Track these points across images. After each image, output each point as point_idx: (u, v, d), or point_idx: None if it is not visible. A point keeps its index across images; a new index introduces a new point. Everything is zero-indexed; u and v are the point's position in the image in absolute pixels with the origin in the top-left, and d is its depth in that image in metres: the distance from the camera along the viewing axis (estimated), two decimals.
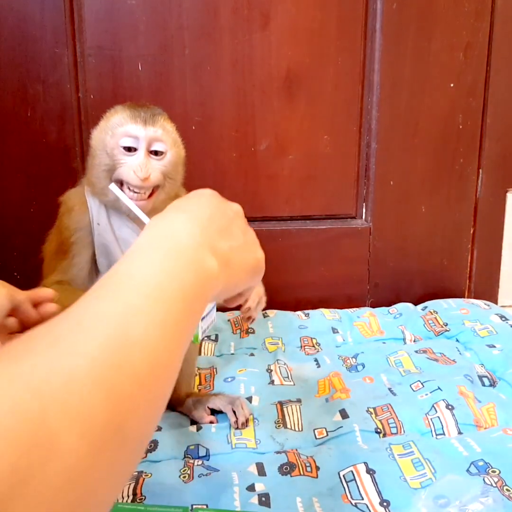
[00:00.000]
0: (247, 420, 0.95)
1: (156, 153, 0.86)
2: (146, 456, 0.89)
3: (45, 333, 0.33)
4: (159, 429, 0.96)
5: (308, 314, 1.39)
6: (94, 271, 0.93)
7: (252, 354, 1.22)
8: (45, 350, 0.31)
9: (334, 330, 1.32)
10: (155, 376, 0.36)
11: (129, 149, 0.85)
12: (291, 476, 0.81)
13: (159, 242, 0.44)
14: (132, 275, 0.39)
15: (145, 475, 0.83)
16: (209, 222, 0.49)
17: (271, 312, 1.39)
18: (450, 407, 0.97)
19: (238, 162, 1.38)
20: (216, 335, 1.30)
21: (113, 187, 0.81)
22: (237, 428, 0.94)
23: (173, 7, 1.28)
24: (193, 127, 1.33)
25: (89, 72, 1.29)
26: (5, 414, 0.26)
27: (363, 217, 1.47)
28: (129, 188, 0.85)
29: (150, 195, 0.87)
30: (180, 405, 1.02)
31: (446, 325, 1.31)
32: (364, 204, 1.46)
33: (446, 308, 1.37)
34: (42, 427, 0.27)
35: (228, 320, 1.36)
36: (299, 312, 1.40)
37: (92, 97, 1.30)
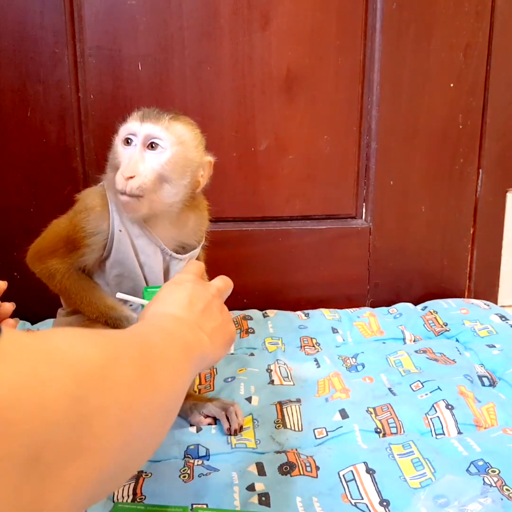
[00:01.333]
0: (240, 427, 0.94)
1: (152, 146, 0.84)
2: None
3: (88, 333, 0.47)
4: None
5: (308, 314, 1.39)
6: (98, 268, 0.91)
7: (252, 354, 1.22)
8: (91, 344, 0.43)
9: (334, 330, 1.32)
10: (168, 367, 0.52)
11: (127, 142, 0.84)
12: (291, 476, 0.81)
13: (162, 314, 0.62)
14: (151, 323, 0.59)
15: (145, 475, 0.83)
16: (191, 306, 0.63)
17: (271, 312, 1.39)
18: (450, 407, 0.97)
19: (238, 162, 1.38)
20: None
21: (119, 295, 0.83)
22: (230, 434, 0.94)
23: (173, 7, 1.28)
24: None
25: (89, 72, 1.29)
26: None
27: (363, 217, 1.47)
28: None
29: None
30: None
31: (446, 325, 1.31)
32: (364, 204, 1.46)
33: (446, 308, 1.37)
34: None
35: None
36: (299, 312, 1.40)
37: (92, 97, 1.30)
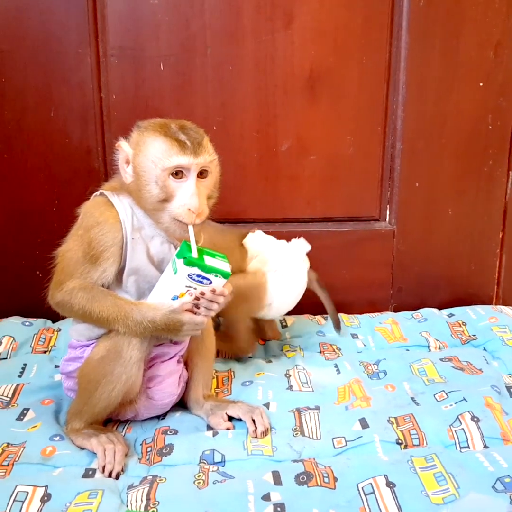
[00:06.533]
0: (266, 430, 0.93)
1: (201, 173, 0.88)
2: (161, 460, 0.88)
3: None
4: (175, 432, 0.95)
5: (326, 317, 1.37)
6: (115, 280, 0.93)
7: (269, 361, 1.19)
8: None
9: (354, 336, 1.29)
10: None
11: (176, 174, 0.86)
12: (308, 486, 0.79)
13: None
14: None
15: (159, 480, 0.82)
16: None
17: (289, 319, 1.36)
18: (475, 419, 0.93)
19: (259, 163, 1.36)
20: None
21: (191, 229, 0.87)
22: (256, 437, 0.92)
23: (196, 6, 1.27)
24: (214, 128, 1.32)
25: (111, 72, 1.29)
26: None
27: (387, 219, 1.44)
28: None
29: None
30: (198, 408, 1.01)
31: (474, 335, 1.27)
32: (388, 206, 1.43)
33: (474, 319, 1.32)
34: None
35: None
36: (318, 317, 1.38)
37: (114, 97, 1.30)
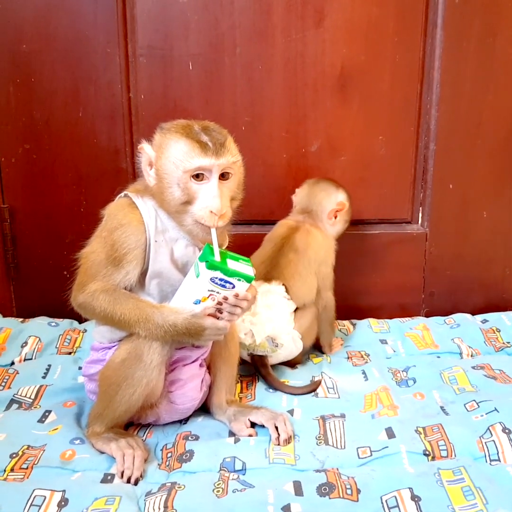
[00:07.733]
0: (289, 438, 0.91)
1: (223, 175, 0.87)
2: (180, 466, 0.86)
3: None
4: (196, 438, 0.93)
5: (355, 323, 1.34)
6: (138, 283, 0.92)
7: (295, 367, 1.17)
8: None
9: (383, 341, 1.26)
10: None
11: (197, 176, 0.85)
12: (329, 498, 0.76)
13: None
14: None
15: (178, 487, 0.80)
16: None
17: None
18: (507, 430, 0.89)
19: (288, 164, 1.34)
20: None
21: (214, 232, 0.85)
22: (278, 444, 0.90)
23: (225, 5, 1.25)
24: (243, 128, 1.30)
25: (140, 72, 1.28)
26: None
27: (419, 222, 1.40)
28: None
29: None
30: (221, 413, 0.99)
31: (508, 342, 1.22)
32: (420, 208, 1.39)
33: (509, 325, 1.28)
34: None
35: None
36: (345, 322, 1.35)
37: (142, 97, 1.30)
